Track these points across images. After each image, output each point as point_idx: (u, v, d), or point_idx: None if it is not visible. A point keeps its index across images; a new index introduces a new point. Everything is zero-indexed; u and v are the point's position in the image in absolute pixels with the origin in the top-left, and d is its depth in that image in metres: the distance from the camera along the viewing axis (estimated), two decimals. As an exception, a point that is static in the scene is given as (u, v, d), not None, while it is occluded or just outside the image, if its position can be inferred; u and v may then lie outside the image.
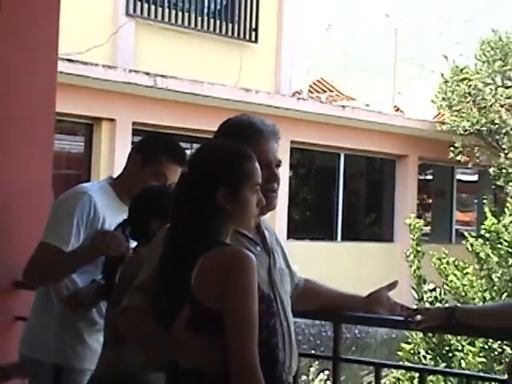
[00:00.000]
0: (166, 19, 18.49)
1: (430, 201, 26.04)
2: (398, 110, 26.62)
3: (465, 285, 12.64)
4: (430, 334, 11.63)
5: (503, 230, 12.83)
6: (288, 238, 19.05)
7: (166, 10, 18.49)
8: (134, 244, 4.36)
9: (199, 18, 19.02)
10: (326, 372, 13.90)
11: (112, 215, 4.72)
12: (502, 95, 23.19)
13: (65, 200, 4.82)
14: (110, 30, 17.41)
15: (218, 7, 19.57)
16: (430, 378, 10.99)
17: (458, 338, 11.74)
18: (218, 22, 19.38)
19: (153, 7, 18.24)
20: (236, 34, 19.65)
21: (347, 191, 22.67)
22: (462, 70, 24.54)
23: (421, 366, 10.60)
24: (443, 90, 24.42)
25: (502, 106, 23.06)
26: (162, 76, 16.89)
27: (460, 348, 11.87)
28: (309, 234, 21.00)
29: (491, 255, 12.78)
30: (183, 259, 3.33)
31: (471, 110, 23.24)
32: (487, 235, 12.99)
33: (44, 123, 5.22)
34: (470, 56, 25.49)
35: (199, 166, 3.46)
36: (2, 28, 4.95)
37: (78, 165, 16.84)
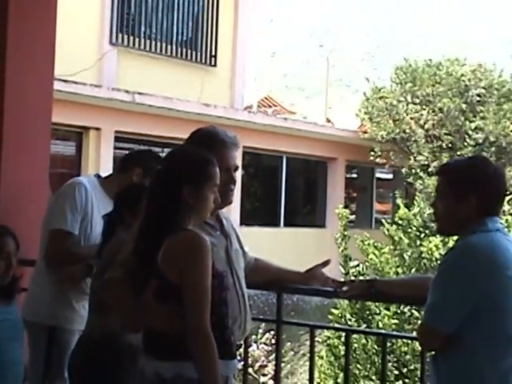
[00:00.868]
0: (143, 47, 18.46)
1: (355, 194, 26.12)
2: (329, 121, 26.65)
3: (382, 262, 12.68)
4: (354, 301, 11.67)
5: (412, 218, 12.91)
6: (241, 224, 19.02)
7: (143, 40, 18.48)
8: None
9: (169, 47, 19.00)
10: (272, 332, 13.93)
11: (98, 204, 4.77)
12: (411, 110, 23.31)
13: (65, 191, 4.83)
14: (96, 55, 17.34)
15: (185, 38, 19.54)
16: (354, 336, 11.04)
17: (376, 304, 11.78)
18: (184, 49, 19.36)
19: (131, 37, 18.23)
20: (199, 60, 19.62)
21: (288, 186, 22.68)
22: (380, 90, 24.64)
23: (346, 327, 10.69)
24: (365, 106, 24.50)
25: (411, 118, 23.17)
26: (139, 93, 16.83)
27: (378, 312, 11.91)
28: (258, 221, 21.00)
29: (403, 238, 12.84)
30: (153, 241, 3.35)
31: (387, 122, 23.33)
32: (400, 222, 13.06)
33: (42, 131, 5.20)
34: (387, 79, 25.60)
35: (171, 167, 3.48)
36: (11, 56, 4.92)
37: (70, 165, 16.71)
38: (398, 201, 13.90)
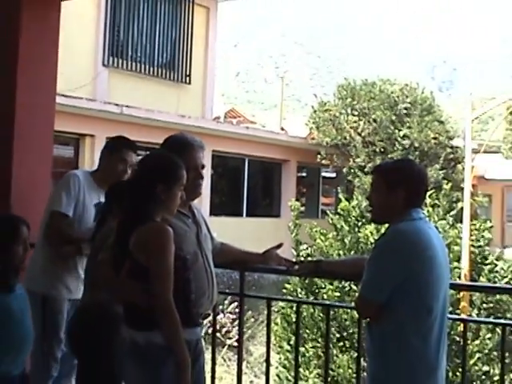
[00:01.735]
0: (130, 68, 18.36)
1: (305, 190, 26.14)
2: (283, 129, 26.65)
3: (327, 245, 12.73)
4: (303, 278, 11.71)
5: (352, 209, 12.94)
6: (210, 214, 18.99)
7: (130, 62, 18.39)
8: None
9: (151, 68, 18.91)
10: (236, 303, 13.94)
11: (89, 193, 4.78)
12: (350, 121, 23.38)
13: (62, 181, 4.83)
14: (91, 75, 17.23)
15: (164, 61, 19.44)
16: (304, 306, 11.07)
17: (322, 280, 11.83)
18: (164, 70, 19.27)
19: (120, 60, 18.13)
20: (176, 79, 19.53)
21: (250, 183, 22.66)
22: (325, 104, 24.68)
23: (297, 299, 10.73)
24: (313, 117, 24.53)
25: (351, 127, 23.24)
26: (126, 106, 16.75)
27: (323, 286, 11.95)
28: (224, 212, 20.95)
29: (344, 226, 12.88)
30: (128, 230, 3.35)
31: (331, 130, 23.37)
32: (341, 212, 13.09)
33: (46, 137, 5.17)
34: (331, 94, 25.66)
35: (146, 168, 3.49)
36: (21, 74, 4.91)
37: (69, 165, 16.56)
38: (340, 195, 13.95)
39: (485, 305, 12.79)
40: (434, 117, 23.53)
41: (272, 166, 23.84)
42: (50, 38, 5.15)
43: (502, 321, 9.27)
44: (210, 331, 5.34)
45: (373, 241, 11.66)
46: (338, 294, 11.66)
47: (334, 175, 26.12)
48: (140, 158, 3.74)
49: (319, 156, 23.08)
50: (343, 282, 11.53)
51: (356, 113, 23.59)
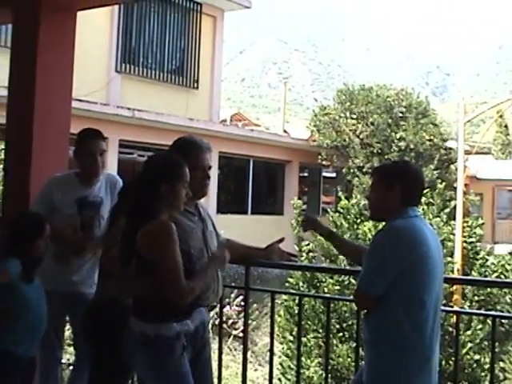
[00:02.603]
0: (141, 74, 18.40)
1: (306, 189, 26.15)
2: (286, 132, 26.68)
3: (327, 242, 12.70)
4: (306, 272, 11.71)
5: (351, 207, 12.94)
6: (217, 212, 18.99)
7: (141, 68, 18.44)
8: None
9: (162, 74, 18.93)
10: (241, 297, 13.95)
11: (67, 191, 4.72)
12: (349, 124, 23.41)
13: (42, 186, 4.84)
14: (105, 80, 17.26)
15: (174, 67, 19.47)
16: (305, 299, 11.07)
17: (323, 274, 11.83)
18: (173, 76, 19.28)
19: (132, 66, 18.18)
20: (185, 84, 19.53)
21: (254, 183, 22.66)
22: (325, 108, 24.72)
23: (299, 292, 10.70)
24: (314, 120, 24.56)
25: (350, 130, 23.26)
26: (138, 110, 16.77)
27: (324, 280, 11.95)
28: (230, 210, 20.96)
29: (343, 223, 12.87)
30: (134, 227, 3.35)
31: (331, 133, 23.41)
32: (341, 210, 13.09)
33: (63, 139, 5.18)
34: (331, 99, 25.68)
35: (152, 168, 3.49)
36: (40, 81, 4.93)
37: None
38: (340, 194, 13.96)
39: (476, 297, 12.78)
40: (428, 120, 23.53)
41: (275, 167, 23.84)
42: (67, 46, 5.16)
43: (493, 312, 9.28)
44: (217, 322, 5.35)
45: (371, 237, 11.63)
46: (337, 287, 11.66)
47: (334, 175, 26.12)
48: (145, 159, 3.73)
49: (320, 157, 23.08)
50: (343, 277, 11.54)
51: (354, 116, 23.59)
